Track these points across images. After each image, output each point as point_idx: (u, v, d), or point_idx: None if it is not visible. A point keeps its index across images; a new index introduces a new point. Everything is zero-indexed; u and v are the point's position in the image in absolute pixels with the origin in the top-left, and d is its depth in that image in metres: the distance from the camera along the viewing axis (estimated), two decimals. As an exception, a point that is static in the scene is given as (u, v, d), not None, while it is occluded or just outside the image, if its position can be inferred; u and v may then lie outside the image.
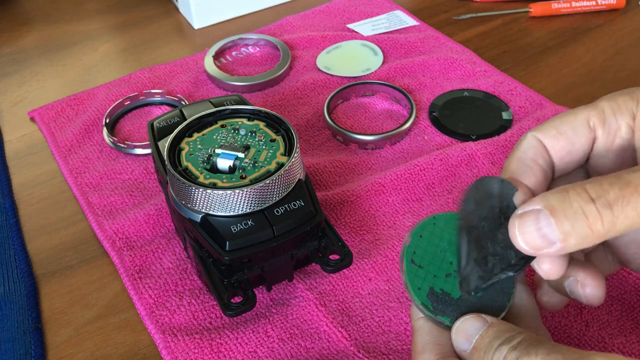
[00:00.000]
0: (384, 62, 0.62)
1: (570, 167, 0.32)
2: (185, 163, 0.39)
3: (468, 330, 0.29)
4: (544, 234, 0.26)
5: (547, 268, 0.28)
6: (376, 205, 0.47)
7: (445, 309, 0.31)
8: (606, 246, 0.34)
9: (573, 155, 0.31)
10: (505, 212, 0.29)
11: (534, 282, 0.37)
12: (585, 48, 0.64)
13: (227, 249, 0.36)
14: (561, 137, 0.31)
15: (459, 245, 0.31)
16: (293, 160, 0.38)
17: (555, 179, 0.32)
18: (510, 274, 0.29)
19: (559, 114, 0.31)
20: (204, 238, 0.37)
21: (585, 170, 0.33)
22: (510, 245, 0.28)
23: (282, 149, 0.40)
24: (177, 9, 0.74)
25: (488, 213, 0.30)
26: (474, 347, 0.29)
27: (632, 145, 0.30)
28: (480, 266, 0.30)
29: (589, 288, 0.30)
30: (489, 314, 0.30)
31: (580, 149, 0.31)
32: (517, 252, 0.29)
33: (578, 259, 0.32)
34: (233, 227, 0.36)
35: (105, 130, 0.54)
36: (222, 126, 0.42)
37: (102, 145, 0.54)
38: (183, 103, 0.57)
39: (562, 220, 0.26)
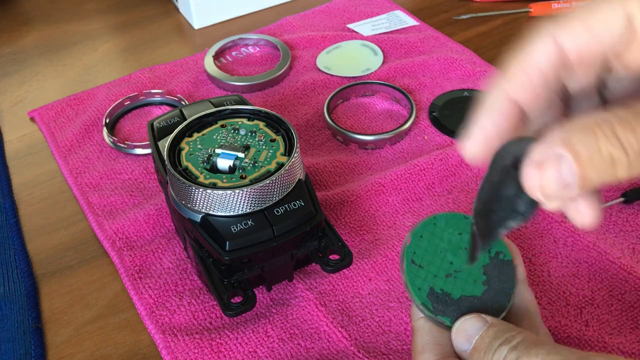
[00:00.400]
0: (384, 62, 0.62)
1: (590, 92, 0.25)
2: (185, 163, 0.39)
3: (468, 330, 0.29)
4: (565, 184, 0.22)
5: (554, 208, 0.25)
6: (376, 205, 0.47)
7: (446, 309, 0.31)
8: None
9: (602, 69, 0.24)
10: (518, 159, 0.25)
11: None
12: (585, 48, 0.64)
13: (227, 249, 0.36)
14: (592, 40, 0.22)
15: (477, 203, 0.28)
16: (293, 160, 0.38)
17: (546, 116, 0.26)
18: (519, 222, 0.26)
19: (590, 4, 0.23)
20: (204, 238, 0.37)
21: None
22: (519, 193, 0.25)
23: (282, 149, 0.40)
24: (177, 9, 0.74)
25: (501, 165, 0.26)
26: (474, 348, 0.29)
27: None
28: (489, 216, 0.27)
29: (585, 217, 0.25)
30: (490, 314, 0.30)
31: (616, 56, 0.23)
32: (526, 199, 0.25)
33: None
34: (233, 227, 0.36)
35: (105, 130, 0.54)
36: (222, 126, 0.42)
37: (102, 145, 0.54)
38: (183, 103, 0.57)
39: (588, 170, 0.22)
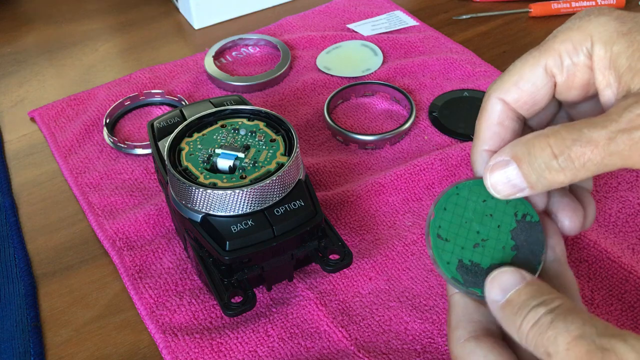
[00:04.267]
0: (384, 62, 0.62)
1: (540, 110, 0.32)
2: (185, 163, 0.39)
3: (505, 282, 0.28)
4: (513, 184, 0.28)
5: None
6: (376, 205, 0.47)
7: (477, 280, 0.30)
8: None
9: (539, 103, 0.31)
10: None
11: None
12: (585, 48, 0.64)
13: (227, 248, 0.36)
14: (523, 93, 0.30)
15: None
16: (293, 160, 0.38)
17: (530, 119, 0.33)
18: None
19: (516, 65, 0.31)
20: (204, 238, 0.37)
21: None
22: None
23: (282, 149, 0.40)
24: (177, 9, 0.74)
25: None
26: (507, 301, 0.28)
27: (593, 82, 0.30)
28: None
29: (566, 222, 0.32)
30: None
31: (545, 96, 0.31)
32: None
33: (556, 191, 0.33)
34: (233, 227, 0.36)
35: (105, 130, 0.54)
36: (222, 126, 0.42)
37: (102, 145, 0.54)
38: (183, 103, 0.57)
39: (528, 172, 0.28)
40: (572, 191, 0.33)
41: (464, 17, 0.70)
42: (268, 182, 0.37)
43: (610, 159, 0.26)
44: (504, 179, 0.29)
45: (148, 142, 0.51)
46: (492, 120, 0.31)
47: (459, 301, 0.31)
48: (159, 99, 0.58)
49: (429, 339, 0.39)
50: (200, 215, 0.37)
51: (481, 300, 0.30)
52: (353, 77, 0.60)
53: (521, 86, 0.30)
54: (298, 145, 0.39)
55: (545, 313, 0.26)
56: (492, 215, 0.31)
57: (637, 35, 0.27)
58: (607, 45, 0.28)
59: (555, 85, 0.30)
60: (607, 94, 0.28)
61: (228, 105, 0.44)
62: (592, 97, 0.30)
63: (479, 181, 0.31)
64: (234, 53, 0.65)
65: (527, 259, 0.30)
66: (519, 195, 0.29)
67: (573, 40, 0.29)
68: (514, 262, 0.30)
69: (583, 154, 0.26)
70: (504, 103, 0.31)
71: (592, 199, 0.33)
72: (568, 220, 0.32)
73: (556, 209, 0.32)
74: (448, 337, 0.30)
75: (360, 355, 0.38)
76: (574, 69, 0.29)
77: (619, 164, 0.26)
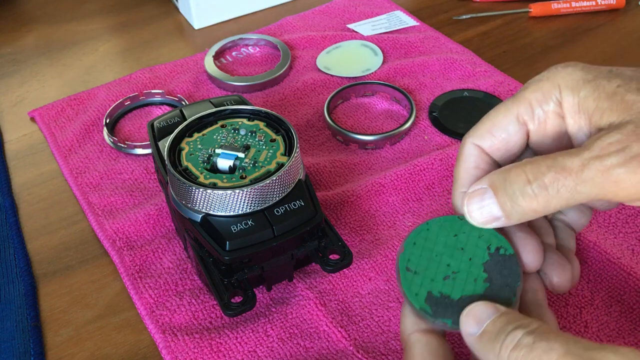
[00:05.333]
0: (384, 62, 0.62)
1: (514, 157, 0.33)
2: (185, 163, 0.39)
3: (479, 315, 0.28)
4: (489, 211, 0.30)
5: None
6: (376, 205, 0.48)
7: (446, 311, 0.30)
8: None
9: (512, 150, 0.33)
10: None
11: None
12: (585, 48, 0.64)
13: (227, 248, 0.36)
14: (496, 140, 0.32)
15: None
16: (293, 160, 0.38)
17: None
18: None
19: (491, 114, 0.32)
20: (204, 238, 0.37)
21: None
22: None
23: (282, 149, 0.40)
24: (177, 9, 0.74)
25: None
26: (483, 332, 0.28)
27: (564, 130, 0.31)
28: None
29: (555, 279, 0.32)
30: None
31: (518, 143, 0.32)
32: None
33: (549, 244, 0.34)
34: (233, 227, 0.36)
35: (105, 130, 0.54)
36: (222, 126, 0.42)
37: (102, 145, 0.54)
38: (183, 103, 0.57)
39: (503, 199, 0.29)
40: (558, 250, 0.34)
41: (464, 17, 0.70)
42: (268, 182, 0.37)
43: (583, 186, 0.27)
44: (480, 206, 0.30)
45: (148, 142, 0.51)
46: (469, 164, 0.33)
47: (421, 338, 0.30)
48: (159, 99, 0.58)
49: (429, 339, 0.39)
50: (200, 215, 0.37)
51: (452, 329, 0.30)
52: (353, 77, 0.60)
53: (494, 133, 0.32)
54: (298, 145, 0.39)
55: (525, 334, 0.26)
56: (463, 249, 0.31)
57: (601, 81, 0.29)
58: (574, 92, 0.30)
59: (528, 134, 0.32)
60: (580, 137, 0.30)
61: (228, 105, 0.44)
62: (566, 147, 0.31)
63: (451, 217, 0.32)
64: (234, 53, 0.65)
65: (501, 290, 0.30)
66: (495, 224, 0.30)
67: (543, 90, 0.31)
68: (486, 294, 0.30)
69: (556, 180, 0.27)
70: (480, 149, 0.33)
71: (576, 259, 0.34)
72: (557, 277, 0.32)
73: (545, 265, 0.33)
74: None
75: (359, 356, 0.38)
76: (545, 116, 0.31)
77: (592, 193, 0.27)
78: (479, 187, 0.30)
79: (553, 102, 0.31)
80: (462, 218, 0.32)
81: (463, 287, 0.30)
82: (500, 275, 0.30)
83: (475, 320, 0.28)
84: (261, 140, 0.40)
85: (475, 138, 0.32)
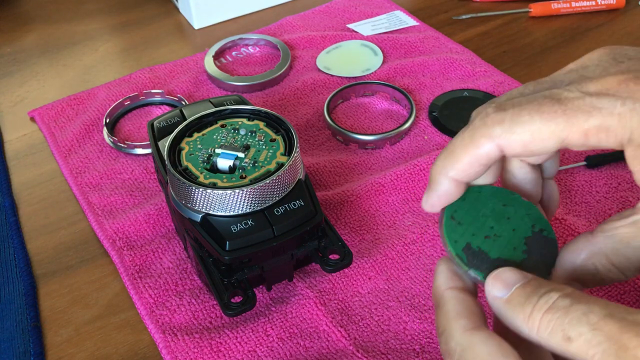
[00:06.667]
0: (384, 62, 0.62)
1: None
2: (185, 163, 0.39)
3: (507, 278, 0.27)
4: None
5: None
6: (376, 205, 0.48)
7: (481, 264, 0.29)
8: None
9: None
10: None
11: None
12: (585, 48, 0.64)
13: (227, 248, 0.36)
14: (525, 154, 0.28)
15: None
16: (293, 160, 0.38)
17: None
18: None
19: (532, 120, 0.27)
20: (204, 238, 0.37)
21: None
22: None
23: (282, 149, 0.40)
24: (177, 9, 0.74)
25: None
26: (512, 294, 0.26)
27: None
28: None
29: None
30: None
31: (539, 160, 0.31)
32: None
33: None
34: (233, 227, 0.36)
35: (105, 130, 0.54)
36: (222, 126, 0.42)
37: (102, 145, 0.54)
38: (183, 103, 0.57)
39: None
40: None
41: (464, 17, 0.70)
42: (268, 182, 0.37)
43: None
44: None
45: (148, 142, 0.51)
46: (479, 158, 0.30)
47: (457, 295, 0.29)
48: (159, 98, 0.58)
49: (428, 339, 0.39)
50: (200, 215, 0.37)
51: (480, 282, 0.29)
52: (353, 77, 0.60)
53: (530, 147, 0.28)
54: (298, 145, 0.39)
55: (561, 297, 0.25)
56: (509, 218, 0.31)
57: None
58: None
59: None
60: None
61: (228, 105, 0.44)
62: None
63: (504, 190, 0.31)
64: (234, 53, 0.65)
65: (536, 265, 0.29)
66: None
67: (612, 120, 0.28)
68: (522, 264, 0.29)
69: None
70: (500, 153, 0.29)
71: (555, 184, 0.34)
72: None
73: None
74: (444, 329, 0.28)
75: (359, 355, 0.38)
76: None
77: None
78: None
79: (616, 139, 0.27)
80: (513, 193, 0.32)
81: (502, 250, 0.30)
82: (539, 253, 0.30)
83: (503, 284, 0.27)
84: (261, 140, 0.40)
85: (502, 140, 0.28)
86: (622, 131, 0.26)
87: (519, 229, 0.30)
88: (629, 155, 0.26)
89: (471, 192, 0.31)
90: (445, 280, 0.30)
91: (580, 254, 0.28)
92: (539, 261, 0.29)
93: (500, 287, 0.27)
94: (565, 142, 0.27)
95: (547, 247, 0.30)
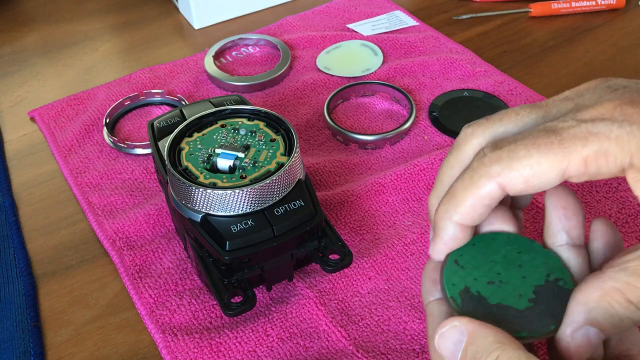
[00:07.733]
0: (384, 62, 0.62)
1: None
2: (185, 163, 0.39)
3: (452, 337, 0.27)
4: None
5: None
6: (376, 205, 0.48)
7: (475, 309, 0.28)
8: None
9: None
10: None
11: None
12: (585, 48, 0.64)
13: (227, 248, 0.36)
14: (528, 190, 0.28)
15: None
16: (293, 160, 0.38)
17: None
18: None
19: (529, 154, 0.27)
20: (204, 238, 0.37)
21: None
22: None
23: (282, 149, 0.40)
24: (177, 9, 0.74)
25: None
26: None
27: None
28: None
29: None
30: (528, 331, 0.27)
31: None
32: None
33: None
34: (233, 227, 0.36)
35: (105, 130, 0.54)
36: (222, 126, 0.42)
37: (102, 145, 0.54)
38: (183, 103, 0.57)
39: None
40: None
41: (464, 17, 0.70)
42: (268, 182, 0.37)
43: None
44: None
45: (148, 142, 0.51)
46: (482, 201, 0.29)
47: (436, 309, 0.30)
48: (159, 98, 0.58)
49: (429, 339, 0.39)
50: (200, 215, 0.37)
51: None
52: (353, 77, 0.60)
53: (531, 182, 0.28)
54: (298, 145, 0.39)
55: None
56: (521, 266, 0.29)
57: None
58: None
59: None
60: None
61: (228, 105, 0.44)
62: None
63: (523, 238, 0.30)
64: (234, 53, 0.65)
65: (542, 314, 0.28)
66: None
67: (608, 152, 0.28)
68: (523, 313, 0.28)
69: None
70: (502, 191, 0.29)
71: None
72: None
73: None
74: (432, 334, 0.28)
75: (359, 355, 0.38)
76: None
77: None
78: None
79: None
80: (534, 241, 0.30)
81: (504, 296, 0.28)
82: (548, 303, 0.28)
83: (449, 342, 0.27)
84: (261, 140, 0.40)
85: (504, 179, 0.28)
86: (621, 155, 0.26)
87: (530, 276, 0.29)
88: (631, 179, 0.26)
89: (483, 239, 0.30)
90: (429, 292, 0.31)
91: (592, 293, 0.27)
92: (544, 312, 0.28)
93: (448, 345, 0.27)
94: (567, 173, 0.26)
95: (560, 297, 0.28)
